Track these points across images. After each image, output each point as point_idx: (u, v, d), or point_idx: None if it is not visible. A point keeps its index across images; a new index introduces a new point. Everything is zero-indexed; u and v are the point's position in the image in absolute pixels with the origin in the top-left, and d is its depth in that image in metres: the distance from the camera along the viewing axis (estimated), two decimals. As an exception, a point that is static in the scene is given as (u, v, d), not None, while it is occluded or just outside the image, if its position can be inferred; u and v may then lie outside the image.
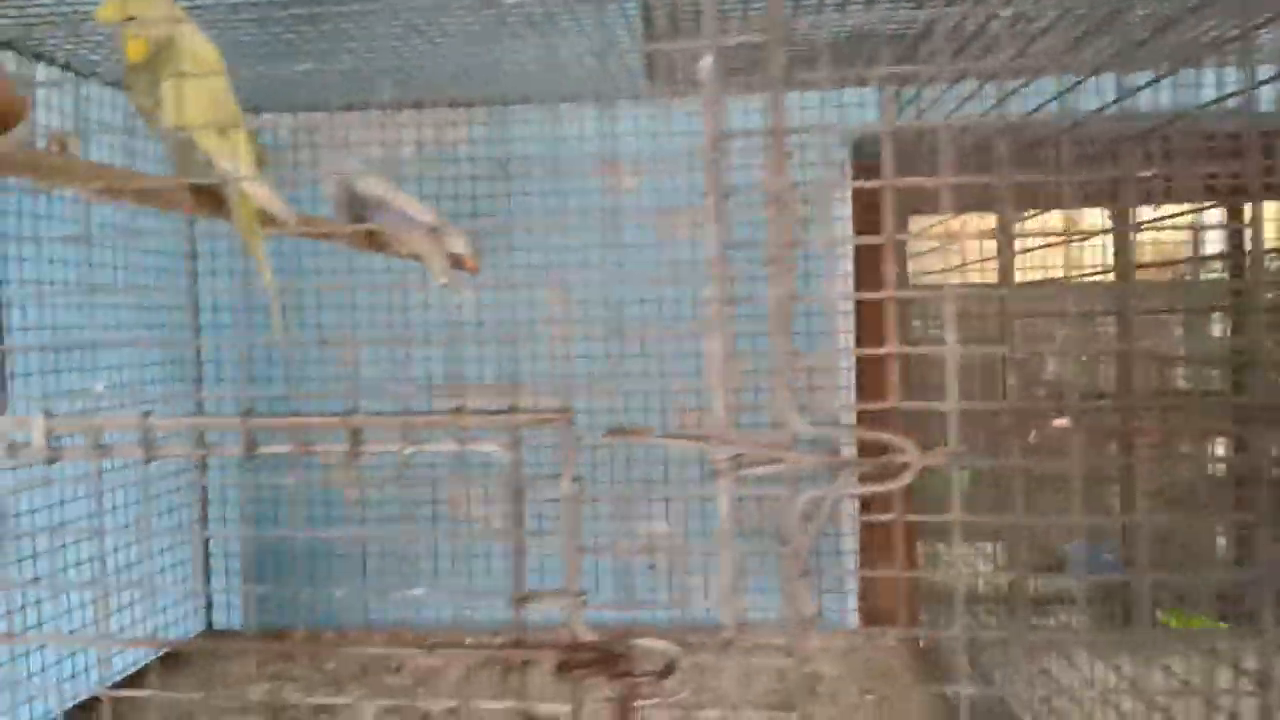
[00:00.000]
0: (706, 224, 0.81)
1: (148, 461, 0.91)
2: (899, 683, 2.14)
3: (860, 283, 2.57)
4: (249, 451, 0.89)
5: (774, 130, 0.81)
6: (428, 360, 2.36)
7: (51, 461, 0.91)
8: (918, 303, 2.23)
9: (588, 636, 0.83)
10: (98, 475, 1.88)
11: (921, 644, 2.34)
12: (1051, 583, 2.44)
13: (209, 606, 2.56)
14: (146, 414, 0.89)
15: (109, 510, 2.18)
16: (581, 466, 0.84)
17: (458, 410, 0.84)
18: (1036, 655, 1.73)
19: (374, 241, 2.01)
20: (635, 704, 0.81)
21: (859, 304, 2.52)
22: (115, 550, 2.24)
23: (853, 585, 2.49)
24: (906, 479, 0.81)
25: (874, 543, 2.57)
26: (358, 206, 2.02)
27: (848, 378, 2.48)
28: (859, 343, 2.56)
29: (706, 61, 0.81)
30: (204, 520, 2.61)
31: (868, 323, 2.56)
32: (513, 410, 0.84)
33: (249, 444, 0.88)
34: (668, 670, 0.81)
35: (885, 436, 0.81)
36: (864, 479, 0.82)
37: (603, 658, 0.81)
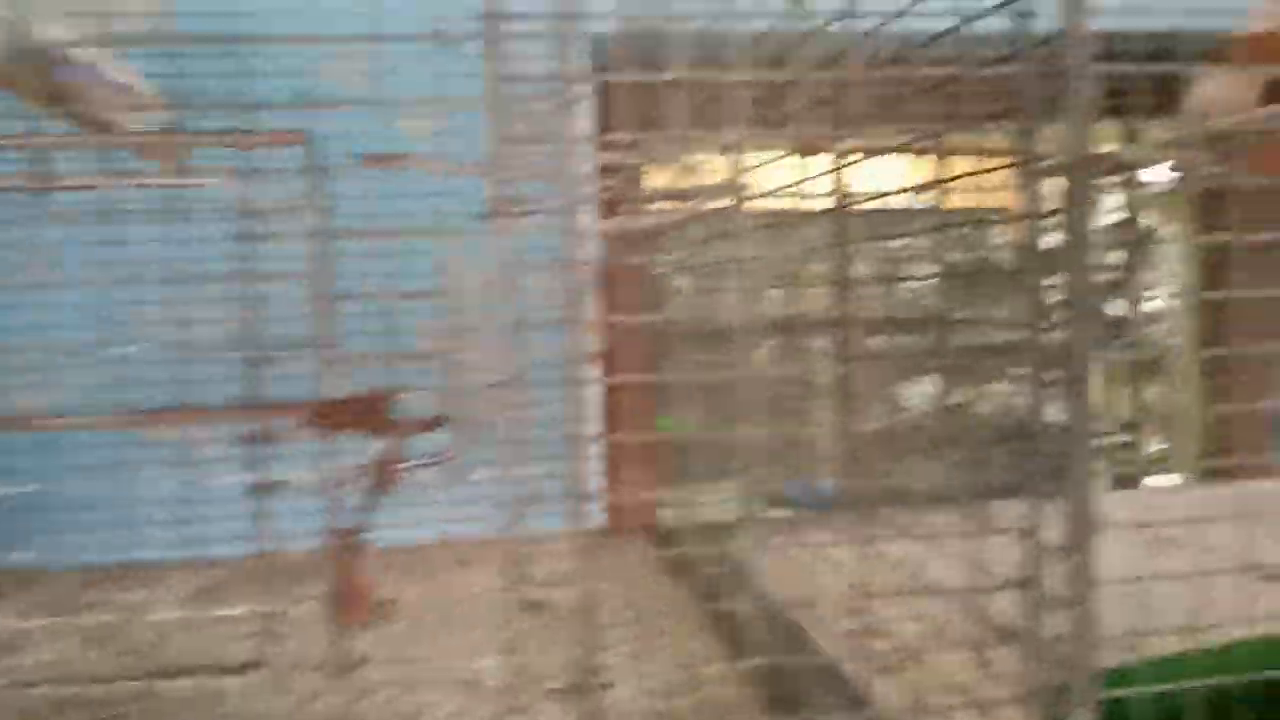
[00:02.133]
0: None
1: None
2: (644, 569, 2.13)
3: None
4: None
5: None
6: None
7: None
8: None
9: (344, 393, 0.71)
10: None
11: (664, 530, 2.34)
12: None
13: None
14: None
15: None
16: (329, 200, 0.72)
17: (170, 131, 0.70)
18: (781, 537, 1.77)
19: (55, 98, 1.74)
20: (399, 463, 0.71)
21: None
22: None
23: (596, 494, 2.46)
24: (695, 214, 0.75)
25: (621, 458, 2.56)
26: (35, 58, 1.73)
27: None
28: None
29: None
30: None
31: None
32: (244, 131, 0.70)
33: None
34: (435, 423, 0.71)
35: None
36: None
37: (363, 412, 0.70)
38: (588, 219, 0.82)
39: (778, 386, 1.66)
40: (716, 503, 2.06)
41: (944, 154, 1.08)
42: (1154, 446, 3.54)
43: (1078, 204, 0.81)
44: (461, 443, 0.71)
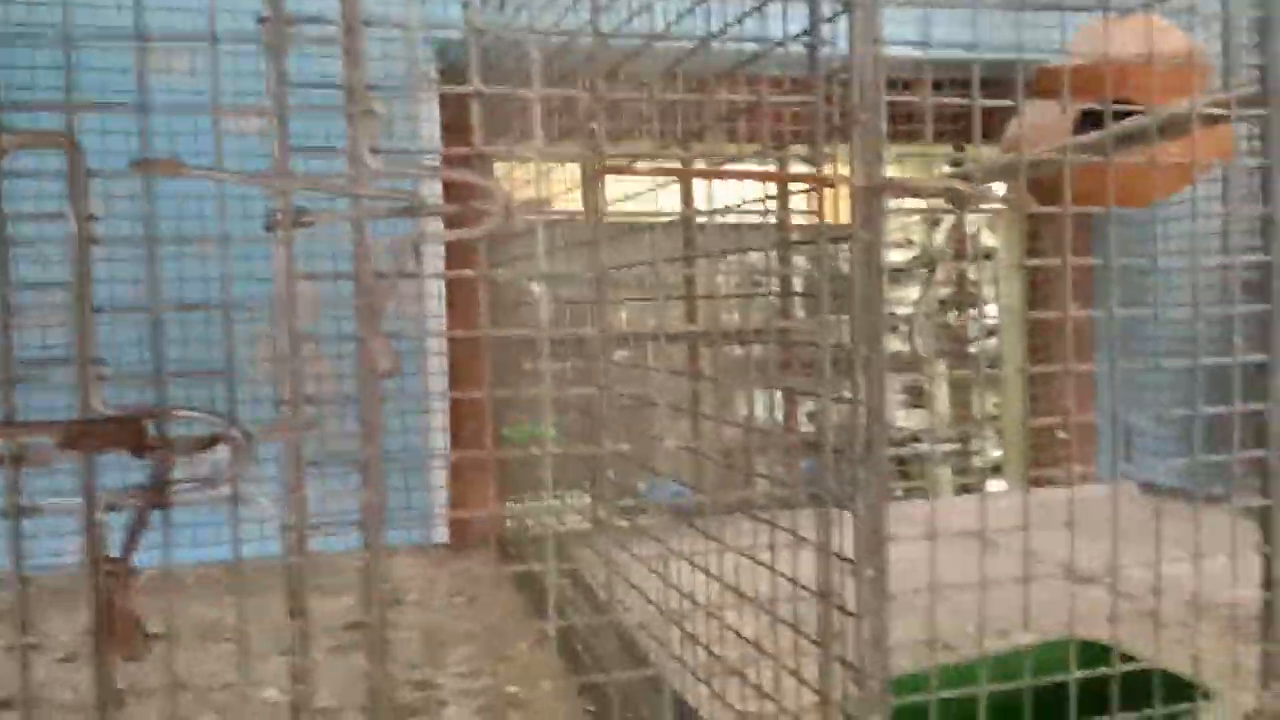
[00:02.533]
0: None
1: None
2: (487, 584, 2.10)
3: (449, 223, 2.48)
4: None
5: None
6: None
7: None
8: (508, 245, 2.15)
9: (107, 412, 0.68)
10: None
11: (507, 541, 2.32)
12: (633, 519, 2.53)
13: None
14: None
15: None
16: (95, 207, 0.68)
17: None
18: (617, 543, 1.77)
19: None
20: (171, 485, 0.67)
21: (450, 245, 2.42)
22: None
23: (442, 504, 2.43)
24: (488, 227, 0.74)
25: (464, 476, 2.52)
26: None
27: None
28: (450, 285, 2.48)
29: None
30: None
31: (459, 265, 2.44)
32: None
33: None
34: (210, 443, 0.68)
35: (473, 178, 0.73)
36: (446, 224, 0.74)
37: (125, 432, 0.66)
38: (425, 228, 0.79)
39: (627, 397, 1.67)
40: (561, 513, 2.05)
41: (770, 176, 1.10)
42: (991, 454, 3.70)
43: (868, 224, 0.84)
44: (239, 463, 0.68)
